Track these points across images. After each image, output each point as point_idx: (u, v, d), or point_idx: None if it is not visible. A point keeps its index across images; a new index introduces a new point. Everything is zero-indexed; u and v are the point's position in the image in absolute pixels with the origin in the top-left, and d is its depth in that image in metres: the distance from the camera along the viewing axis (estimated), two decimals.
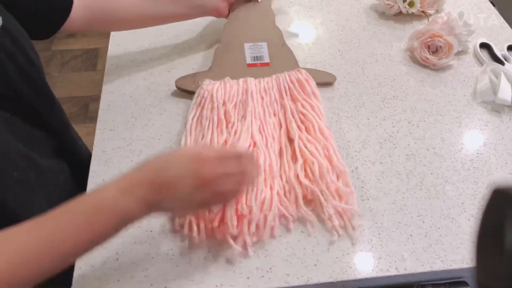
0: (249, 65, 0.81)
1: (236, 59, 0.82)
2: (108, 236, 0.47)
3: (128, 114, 0.76)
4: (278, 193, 0.63)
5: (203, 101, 0.74)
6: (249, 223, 0.59)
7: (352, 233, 0.61)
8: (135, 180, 0.47)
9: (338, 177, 0.65)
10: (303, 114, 0.72)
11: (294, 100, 0.74)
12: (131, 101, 0.78)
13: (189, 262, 0.58)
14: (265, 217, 0.60)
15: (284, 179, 0.66)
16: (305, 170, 0.66)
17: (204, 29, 0.92)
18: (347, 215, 0.62)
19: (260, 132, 0.70)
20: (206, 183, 0.48)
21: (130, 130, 0.74)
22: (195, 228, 0.59)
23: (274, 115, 0.73)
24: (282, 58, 0.83)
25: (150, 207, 0.48)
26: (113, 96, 0.79)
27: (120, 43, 0.89)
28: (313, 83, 0.76)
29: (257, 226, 0.59)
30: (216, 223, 0.59)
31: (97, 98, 0.78)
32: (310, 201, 0.64)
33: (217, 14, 0.86)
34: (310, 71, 0.79)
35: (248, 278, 0.57)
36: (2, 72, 0.55)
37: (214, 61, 0.82)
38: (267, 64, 0.82)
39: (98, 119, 0.75)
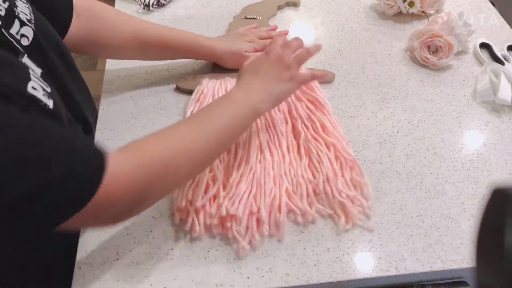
0: None
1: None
2: (246, 126, 0.64)
3: (128, 114, 0.76)
4: (287, 190, 0.64)
5: (202, 97, 0.75)
6: (258, 221, 0.60)
7: (367, 224, 0.62)
8: (248, 86, 0.63)
9: (351, 169, 0.66)
10: (309, 109, 0.73)
11: (296, 96, 0.75)
12: (131, 101, 0.78)
13: (189, 262, 0.58)
14: (275, 216, 0.61)
15: (292, 172, 0.66)
16: (313, 165, 0.67)
17: (204, 29, 0.92)
18: (362, 204, 0.63)
19: (266, 129, 0.71)
20: (279, 60, 0.64)
21: (130, 130, 0.74)
22: (196, 223, 0.60)
23: (279, 111, 0.74)
24: None
25: (268, 98, 0.62)
26: (113, 96, 0.79)
27: None
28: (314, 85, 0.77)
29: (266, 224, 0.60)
30: (215, 220, 0.59)
31: (97, 98, 0.78)
32: (318, 195, 0.64)
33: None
34: (309, 70, 0.79)
35: (248, 278, 0.57)
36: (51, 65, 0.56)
37: (214, 64, 0.83)
38: None
39: (98, 119, 0.75)
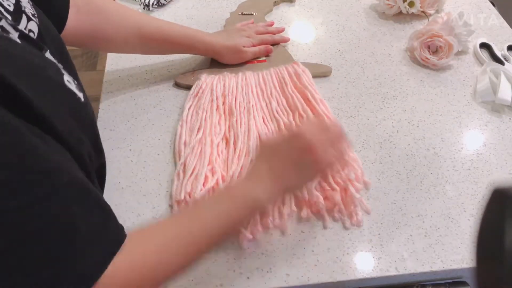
0: (247, 62, 0.84)
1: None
2: (241, 224, 0.56)
3: (128, 114, 0.76)
4: None
5: (200, 92, 0.76)
6: (263, 215, 0.61)
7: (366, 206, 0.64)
8: (257, 173, 0.54)
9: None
10: (307, 101, 0.74)
11: (295, 88, 0.76)
12: (131, 101, 0.78)
13: None
14: (279, 208, 0.62)
15: None
16: None
17: (204, 29, 0.92)
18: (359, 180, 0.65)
19: (265, 124, 0.72)
20: (310, 150, 0.54)
21: (130, 130, 0.74)
22: None
23: (277, 104, 0.75)
24: (278, 55, 0.86)
25: (275, 193, 0.54)
26: (113, 96, 0.79)
27: None
28: (309, 74, 0.79)
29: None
30: None
31: (97, 98, 0.78)
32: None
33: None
34: (305, 64, 0.81)
35: (248, 278, 0.57)
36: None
37: (213, 60, 0.84)
38: (263, 61, 0.84)
39: (98, 119, 0.75)
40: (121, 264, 0.42)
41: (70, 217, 0.39)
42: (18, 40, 0.43)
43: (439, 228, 0.63)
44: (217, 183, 0.62)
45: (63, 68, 0.50)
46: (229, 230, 0.53)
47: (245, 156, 0.66)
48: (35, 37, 0.49)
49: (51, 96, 0.42)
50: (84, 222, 0.40)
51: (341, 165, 0.62)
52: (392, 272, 0.58)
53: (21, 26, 0.47)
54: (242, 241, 0.59)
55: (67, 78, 0.47)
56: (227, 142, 0.68)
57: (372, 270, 0.58)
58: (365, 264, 0.59)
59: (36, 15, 0.52)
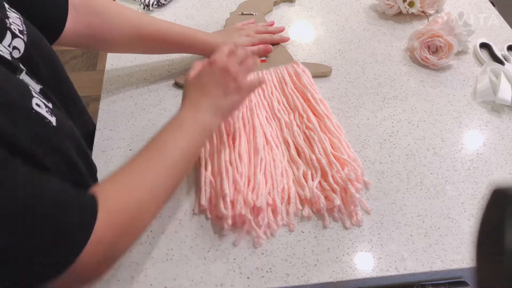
0: None
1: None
2: (200, 146, 0.60)
3: (128, 114, 0.76)
4: (293, 181, 0.66)
5: None
6: (273, 211, 0.62)
7: (365, 206, 0.64)
8: (193, 102, 0.60)
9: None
10: (307, 101, 0.75)
11: (295, 88, 0.77)
12: (131, 101, 0.78)
13: (189, 262, 0.58)
14: (286, 206, 0.63)
15: (294, 166, 0.68)
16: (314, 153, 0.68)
17: (204, 29, 0.92)
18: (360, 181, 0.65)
19: (268, 122, 0.72)
20: (226, 70, 0.61)
21: (130, 130, 0.74)
22: (228, 218, 0.60)
23: (278, 103, 0.75)
24: (278, 55, 0.86)
25: (217, 113, 0.60)
26: (113, 96, 0.79)
27: None
28: (309, 74, 0.79)
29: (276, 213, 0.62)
30: (248, 212, 0.60)
31: (97, 98, 0.78)
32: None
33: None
34: (305, 64, 0.81)
35: (248, 278, 0.57)
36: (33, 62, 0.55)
37: None
38: (263, 61, 0.84)
39: (98, 119, 0.75)
40: (101, 226, 0.44)
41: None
42: None
43: (439, 228, 0.63)
44: (234, 185, 0.62)
45: (46, 88, 0.49)
46: (190, 154, 0.57)
47: (254, 154, 0.66)
48: (20, 54, 0.49)
49: (9, 121, 0.41)
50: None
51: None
52: (392, 272, 0.58)
53: (5, 43, 0.47)
54: (257, 241, 0.60)
55: (37, 101, 0.46)
56: (233, 142, 0.68)
57: (372, 270, 0.58)
58: (365, 264, 0.59)
59: (24, 32, 0.51)
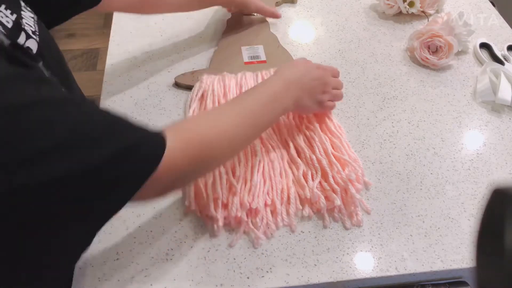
0: (246, 63, 0.84)
1: (234, 59, 0.84)
2: (271, 123, 0.65)
3: (128, 114, 0.76)
4: (293, 181, 0.65)
5: (205, 94, 0.75)
6: (272, 212, 0.62)
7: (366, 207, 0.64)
8: (286, 81, 0.63)
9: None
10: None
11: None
12: (131, 101, 0.78)
13: (189, 262, 0.58)
14: (286, 207, 0.63)
15: (293, 167, 0.67)
16: (313, 152, 0.68)
17: (204, 29, 0.92)
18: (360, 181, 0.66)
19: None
20: (322, 78, 0.68)
21: None
22: (219, 220, 0.60)
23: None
24: (278, 56, 0.86)
25: (295, 105, 0.64)
26: (113, 96, 0.79)
27: (120, 43, 0.89)
28: None
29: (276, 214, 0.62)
30: (244, 214, 0.60)
31: (97, 98, 0.78)
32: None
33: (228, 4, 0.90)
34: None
35: (248, 278, 0.57)
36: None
37: (213, 60, 0.84)
38: (264, 62, 0.84)
39: None
40: (173, 153, 0.46)
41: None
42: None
43: (439, 228, 0.63)
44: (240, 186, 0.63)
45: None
46: (268, 123, 0.63)
47: (251, 156, 0.66)
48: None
49: None
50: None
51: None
52: (392, 272, 0.58)
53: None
54: (257, 241, 0.60)
55: None
56: None
57: (372, 270, 0.58)
58: (365, 264, 0.59)
59: (37, 32, 0.51)
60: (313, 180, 0.64)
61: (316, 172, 0.65)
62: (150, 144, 0.45)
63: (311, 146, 0.68)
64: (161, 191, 0.50)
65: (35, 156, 0.35)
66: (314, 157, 0.66)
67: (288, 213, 0.62)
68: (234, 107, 0.58)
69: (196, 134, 0.51)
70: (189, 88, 0.78)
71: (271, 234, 0.61)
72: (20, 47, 0.46)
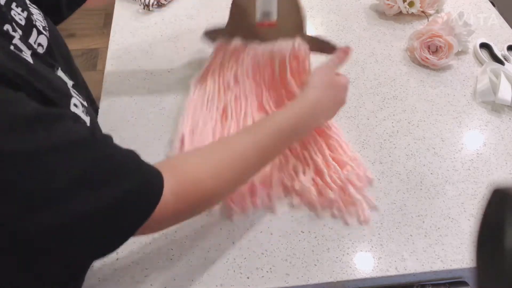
0: (258, 24, 0.74)
1: (250, 12, 0.76)
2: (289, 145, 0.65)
3: (128, 114, 0.76)
4: (278, 169, 0.66)
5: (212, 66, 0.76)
6: (252, 193, 0.63)
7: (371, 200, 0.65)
8: (319, 96, 0.61)
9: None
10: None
11: (293, 77, 0.74)
12: (131, 101, 0.78)
13: (189, 262, 0.58)
14: (267, 190, 0.64)
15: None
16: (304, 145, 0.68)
17: (204, 29, 0.92)
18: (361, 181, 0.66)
19: (258, 112, 0.72)
20: (345, 97, 0.66)
21: (130, 130, 0.74)
22: None
23: (269, 95, 0.74)
24: (288, 19, 0.76)
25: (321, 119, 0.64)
26: (113, 96, 0.79)
27: (120, 43, 0.89)
28: (308, 61, 0.74)
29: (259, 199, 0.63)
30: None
31: (97, 98, 0.78)
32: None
33: None
34: (313, 39, 0.76)
35: (248, 278, 0.57)
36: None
37: (230, 16, 0.78)
38: (274, 25, 0.74)
39: (98, 119, 0.75)
40: (171, 182, 0.45)
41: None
42: (30, 60, 0.42)
43: (439, 228, 0.63)
44: None
45: (73, 86, 0.49)
46: (286, 144, 0.61)
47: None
48: (43, 50, 0.49)
49: None
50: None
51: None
52: (392, 272, 0.58)
53: (31, 40, 0.47)
54: (230, 213, 0.61)
55: (75, 101, 0.46)
56: (225, 120, 0.70)
57: (372, 270, 0.58)
58: (365, 264, 0.59)
59: (47, 28, 0.51)
60: (304, 174, 0.65)
61: (309, 167, 0.65)
62: (147, 191, 0.43)
63: (305, 147, 0.68)
64: (157, 230, 0.50)
65: (41, 202, 0.36)
66: (306, 154, 0.67)
67: (269, 196, 0.63)
68: (241, 144, 0.53)
69: (192, 179, 0.48)
70: (214, 40, 0.78)
71: (249, 211, 0.62)
72: (41, 57, 0.45)
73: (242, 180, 0.54)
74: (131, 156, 0.44)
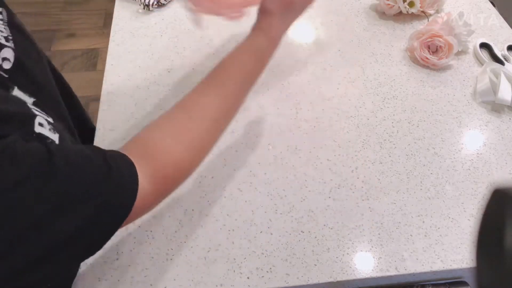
0: None
1: None
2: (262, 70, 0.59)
3: (128, 114, 0.76)
4: None
5: None
6: None
7: None
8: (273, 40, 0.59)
9: None
10: None
11: None
12: (131, 101, 0.78)
13: (189, 262, 0.58)
14: None
15: None
16: None
17: (204, 29, 0.92)
18: None
19: None
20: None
21: (130, 130, 0.74)
22: None
23: None
24: None
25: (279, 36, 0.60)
26: (113, 96, 0.79)
27: (120, 43, 0.89)
28: None
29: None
30: None
31: (97, 98, 0.78)
32: None
33: None
34: None
35: (248, 278, 0.57)
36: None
37: None
38: None
39: (98, 119, 0.75)
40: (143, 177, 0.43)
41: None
42: None
43: (439, 228, 0.63)
44: None
45: (37, 101, 0.45)
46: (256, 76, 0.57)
47: None
48: (11, 64, 0.45)
49: None
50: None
51: None
52: (392, 272, 0.58)
53: None
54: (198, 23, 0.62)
55: (40, 120, 0.42)
56: None
57: (372, 270, 0.58)
58: (365, 264, 0.59)
59: (10, 37, 0.46)
60: None
61: None
62: (121, 195, 0.42)
63: None
64: (141, 215, 0.48)
65: (20, 232, 0.34)
66: None
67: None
68: (210, 98, 0.51)
69: (172, 161, 0.46)
70: None
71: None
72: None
73: (217, 138, 0.53)
74: (96, 163, 0.40)
